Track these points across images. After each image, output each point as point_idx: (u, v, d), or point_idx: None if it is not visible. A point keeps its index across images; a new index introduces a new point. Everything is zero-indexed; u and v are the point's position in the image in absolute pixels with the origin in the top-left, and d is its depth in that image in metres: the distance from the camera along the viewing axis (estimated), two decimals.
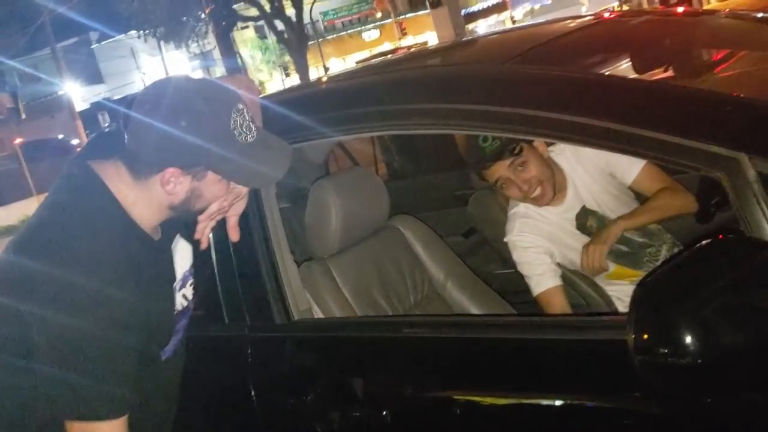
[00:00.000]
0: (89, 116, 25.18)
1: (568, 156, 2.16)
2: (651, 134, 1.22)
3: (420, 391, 1.51)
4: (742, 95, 1.40)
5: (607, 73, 1.90)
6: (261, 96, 1.88)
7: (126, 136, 1.36)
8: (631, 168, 2.12)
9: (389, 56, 4.83)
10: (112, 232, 1.36)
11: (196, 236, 1.56)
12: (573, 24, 2.35)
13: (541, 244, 2.11)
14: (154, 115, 1.32)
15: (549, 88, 1.46)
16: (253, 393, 1.64)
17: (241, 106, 1.37)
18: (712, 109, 1.27)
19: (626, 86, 1.48)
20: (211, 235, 1.72)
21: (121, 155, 1.40)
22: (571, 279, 2.23)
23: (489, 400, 1.44)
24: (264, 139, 1.42)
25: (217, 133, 1.33)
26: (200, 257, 1.67)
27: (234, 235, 1.60)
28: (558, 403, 1.34)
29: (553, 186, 2.08)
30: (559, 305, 2.06)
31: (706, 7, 14.94)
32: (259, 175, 1.45)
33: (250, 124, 1.38)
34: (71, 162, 1.47)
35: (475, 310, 2.27)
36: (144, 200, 1.41)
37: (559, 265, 2.13)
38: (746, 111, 1.25)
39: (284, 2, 23.55)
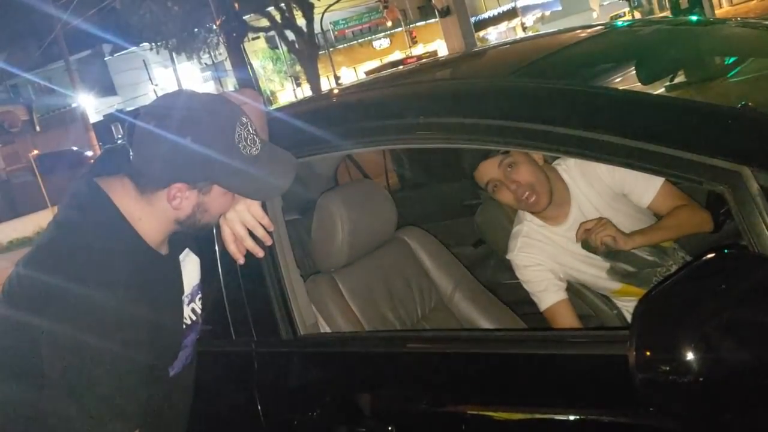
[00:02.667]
0: (103, 128, 25.31)
1: (573, 173, 2.11)
2: (653, 148, 1.21)
3: (427, 406, 1.49)
4: (746, 106, 1.39)
5: (609, 86, 1.89)
6: (272, 108, 1.89)
7: (131, 153, 1.37)
8: (648, 189, 2.05)
9: (400, 67, 4.85)
10: (121, 249, 1.37)
11: (238, 260, 1.58)
12: (580, 34, 2.34)
13: (541, 262, 2.09)
14: (158, 131, 1.32)
15: (551, 102, 1.46)
16: (260, 409, 1.64)
17: (244, 120, 1.38)
18: (714, 122, 1.26)
19: (628, 100, 1.47)
20: (216, 248, 1.73)
21: (127, 171, 1.41)
22: (580, 291, 2.22)
23: (497, 416, 1.42)
24: (268, 151, 1.43)
25: (223, 147, 1.34)
26: (208, 272, 1.68)
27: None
28: (567, 418, 1.32)
29: (548, 193, 2.02)
30: (566, 319, 2.04)
31: (717, 11, 14.88)
32: (265, 187, 1.46)
33: (254, 137, 1.38)
34: (78, 180, 1.48)
35: (483, 322, 2.25)
36: (150, 215, 1.42)
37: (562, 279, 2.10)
38: (748, 124, 1.25)
39: (295, 12, 23.68)
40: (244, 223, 1.55)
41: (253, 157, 1.37)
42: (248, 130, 1.37)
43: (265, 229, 1.56)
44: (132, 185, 1.40)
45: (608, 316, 2.22)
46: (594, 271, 2.11)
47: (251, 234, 1.57)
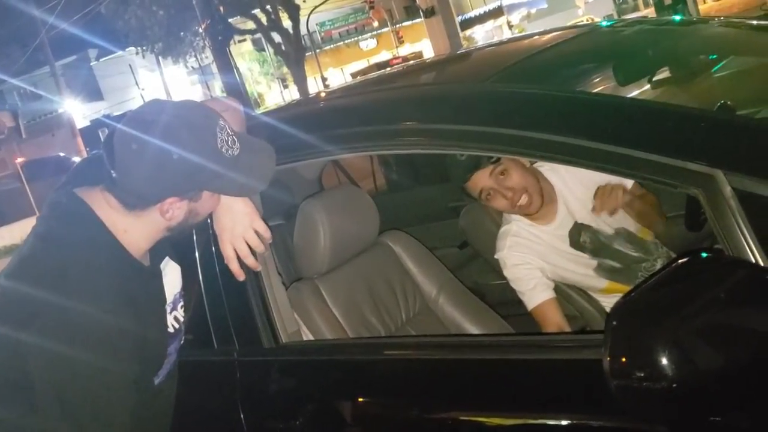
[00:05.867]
0: (90, 133, 25.09)
1: (560, 171, 2.13)
2: (628, 152, 1.22)
3: (411, 413, 1.49)
4: (725, 105, 1.40)
5: (585, 90, 1.89)
6: (257, 113, 1.87)
7: (113, 173, 1.35)
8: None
9: (387, 69, 4.84)
10: (106, 262, 1.37)
11: (239, 277, 1.59)
12: (562, 35, 2.34)
13: (531, 261, 2.09)
14: (142, 152, 1.31)
15: (529, 108, 1.46)
16: (242, 418, 1.63)
17: (222, 123, 1.38)
18: (688, 126, 1.27)
19: (603, 104, 1.48)
20: (197, 255, 1.72)
21: (108, 186, 1.40)
22: (565, 292, 2.22)
23: (482, 422, 1.42)
24: (247, 146, 1.43)
25: (207, 156, 1.34)
26: (188, 280, 1.67)
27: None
28: (553, 423, 1.32)
29: (540, 194, 2.05)
30: (554, 318, 2.04)
31: (701, 7, 14.95)
32: (250, 182, 1.46)
33: (233, 137, 1.39)
34: (57, 191, 1.47)
35: (467, 326, 2.25)
36: (138, 228, 1.42)
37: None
38: (722, 128, 1.25)
39: (281, 14, 23.62)
40: (246, 241, 1.55)
41: (235, 158, 1.38)
42: (227, 132, 1.38)
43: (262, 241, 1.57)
44: (116, 201, 1.40)
45: (594, 316, 2.22)
46: (582, 270, 2.12)
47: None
